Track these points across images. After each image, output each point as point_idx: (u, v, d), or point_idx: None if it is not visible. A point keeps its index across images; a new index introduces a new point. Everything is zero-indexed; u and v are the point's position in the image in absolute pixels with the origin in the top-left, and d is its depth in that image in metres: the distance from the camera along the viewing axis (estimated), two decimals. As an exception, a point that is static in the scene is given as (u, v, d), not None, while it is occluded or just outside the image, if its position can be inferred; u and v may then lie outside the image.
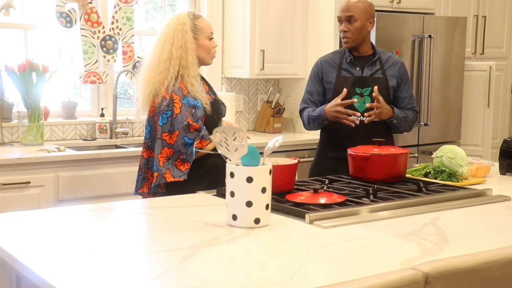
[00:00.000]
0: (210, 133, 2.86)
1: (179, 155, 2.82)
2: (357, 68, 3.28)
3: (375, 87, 3.14)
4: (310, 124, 3.32)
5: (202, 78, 3.03)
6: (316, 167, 3.40)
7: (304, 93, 3.41)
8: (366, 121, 3.17)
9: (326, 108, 3.20)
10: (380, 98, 3.14)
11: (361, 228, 2.10)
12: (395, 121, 3.26)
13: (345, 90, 3.15)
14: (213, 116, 2.94)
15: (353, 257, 1.80)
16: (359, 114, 3.14)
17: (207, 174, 2.89)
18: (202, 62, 3.00)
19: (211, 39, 2.99)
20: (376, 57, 3.31)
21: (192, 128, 2.82)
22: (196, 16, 2.98)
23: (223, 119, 3.11)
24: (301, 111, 3.39)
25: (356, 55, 3.31)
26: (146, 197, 2.95)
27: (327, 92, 3.31)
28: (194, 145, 2.80)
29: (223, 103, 3.11)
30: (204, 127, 2.86)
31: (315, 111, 3.27)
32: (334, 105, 3.16)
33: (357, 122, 3.15)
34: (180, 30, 2.90)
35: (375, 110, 3.13)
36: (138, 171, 3.02)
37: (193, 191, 2.65)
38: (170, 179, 2.80)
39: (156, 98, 2.88)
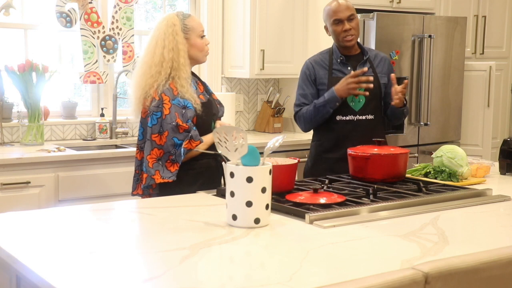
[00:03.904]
0: (201, 133, 2.85)
1: (169, 156, 2.80)
2: (349, 68, 3.29)
3: (392, 75, 3.20)
4: (316, 115, 3.22)
5: (198, 78, 3.02)
6: (313, 169, 3.35)
7: (297, 96, 3.36)
8: (392, 103, 3.17)
9: (336, 87, 3.15)
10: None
11: (361, 228, 2.10)
12: (405, 110, 3.29)
13: (352, 72, 3.15)
14: (203, 116, 2.90)
15: (353, 257, 1.80)
16: (371, 78, 3.12)
17: (200, 175, 2.88)
18: (196, 61, 2.98)
19: (202, 37, 2.96)
20: (367, 57, 3.32)
21: (181, 128, 2.79)
22: (185, 16, 2.95)
23: (222, 119, 3.09)
24: (297, 113, 3.33)
25: (347, 55, 3.32)
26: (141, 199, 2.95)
27: (320, 93, 3.28)
28: (183, 145, 2.79)
29: (220, 103, 3.09)
30: (194, 128, 2.84)
31: (322, 99, 3.21)
32: (344, 79, 3.13)
33: (371, 85, 3.13)
34: (171, 32, 2.87)
35: (400, 95, 3.14)
36: (134, 173, 3.01)
37: (186, 192, 2.64)
38: (159, 180, 2.79)
39: (146, 100, 2.86)
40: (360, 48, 3.36)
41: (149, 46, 2.92)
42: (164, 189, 2.82)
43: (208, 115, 2.95)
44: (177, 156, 2.79)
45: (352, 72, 3.14)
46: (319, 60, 3.35)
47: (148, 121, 2.83)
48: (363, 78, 3.10)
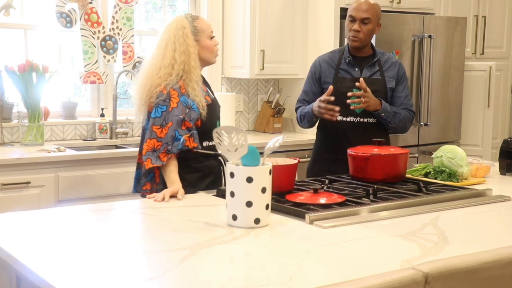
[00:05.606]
0: (205, 137, 2.83)
1: (165, 148, 2.74)
2: (356, 69, 3.28)
3: (361, 79, 3.13)
4: (302, 121, 3.36)
5: (203, 79, 3.00)
6: (313, 169, 3.40)
7: (301, 92, 3.43)
8: (352, 107, 3.14)
9: (314, 104, 3.22)
10: (368, 90, 3.13)
11: (361, 228, 2.10)
12: (383, 114, 3.21)
13: (330, 87, 3.13)
14: (207, 123, 2.85)
15: (353, 257, 1.80)
16: (337, 108, 3.11)
17: (205, 177, 2.85)
18: (206, 62, 2.97)
19: (212, 38, 2.95)
20: (376, 59, 3.31)
21: (184, 125, 2.76)
22: (194, 18, 2.92)
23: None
24: (296, 110, 3.42)
25: (356, 56, 3.31)
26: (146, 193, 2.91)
27: (324, 92, 3.28)
28: (183, 137, 2.73)
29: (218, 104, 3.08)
30: (196, 131, 2.80)
31: (306, 108, 3.30)
32: (317, 100, 3.18)
33: (336, 115, 3.14)
34: (181, 35, 2.83)
35: (361, 98, 3.10)
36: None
37: (191, 193, 2.63)
38: (149, 165, 2.73)
39: (151, 97, 2.81)
40: (372, 50, 3.34)
41: (158, 49, 2.86)
42: None
43: (212, 119, 2.90)
44: (173, 146, 2.73)
45: (323, 96, 3.14)
46: (328, 58, 3.37)
47: (152, 112, 2.79)
48: (330, 106, 3.11)
